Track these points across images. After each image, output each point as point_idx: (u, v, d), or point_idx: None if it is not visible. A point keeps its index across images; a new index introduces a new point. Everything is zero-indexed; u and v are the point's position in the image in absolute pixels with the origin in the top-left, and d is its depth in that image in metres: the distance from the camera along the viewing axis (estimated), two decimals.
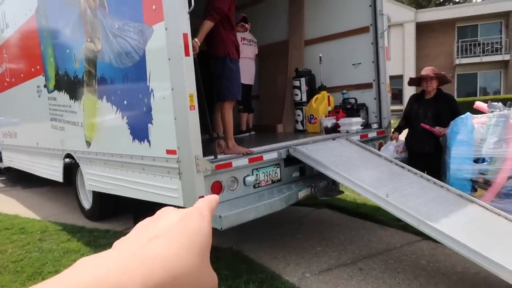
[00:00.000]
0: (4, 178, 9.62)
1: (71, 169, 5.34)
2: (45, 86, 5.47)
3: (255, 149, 3.58)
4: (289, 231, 4.34)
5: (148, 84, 3.24)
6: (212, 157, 3.23)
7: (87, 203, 5.31)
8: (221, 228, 2.78)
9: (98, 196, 4.87)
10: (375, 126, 4.76)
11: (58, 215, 5.57)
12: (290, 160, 3.65)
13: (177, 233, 0.34)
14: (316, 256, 3.63)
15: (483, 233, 2.79)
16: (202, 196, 2.96)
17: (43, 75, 5.49)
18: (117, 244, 0.35)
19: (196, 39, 3.20)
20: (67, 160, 5.22)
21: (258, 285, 3.05)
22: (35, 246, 4.23)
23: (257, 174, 3.40)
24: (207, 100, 3.34)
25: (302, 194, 3.47)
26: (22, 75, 6.41)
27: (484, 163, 3.67)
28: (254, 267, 3.41)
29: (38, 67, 5.62)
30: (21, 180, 8.63)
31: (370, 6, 4.59)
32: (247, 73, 5.31)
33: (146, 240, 0.33)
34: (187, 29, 2.85)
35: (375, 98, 4.78)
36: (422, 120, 4.18)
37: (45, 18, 5.09)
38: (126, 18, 3.40)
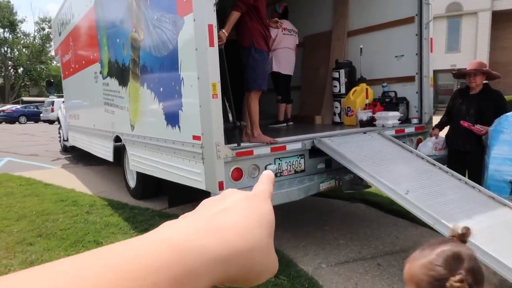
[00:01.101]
0: (70, 156, 10.55)
1: (120, 150, 5.76)
2: (100, 72, 5.92)
3: (282, 139, 3.64)
4: (317, 222, 4.36)
5: (179, 73, 3.42)
6: (236, 144, 3.35)
7: (132, 182, 5.71)
8: None
9: (141, 177, 5.22)
10: (415, 121, 4.58)
11: (107, 191, 6.06)
12: (316, 152, 3.66)
13: (246, 209, 0.34)
14: (337, 249, 3.63)
15: (508, 238, 2.63)
16: (222, 182, 3.10)
17: (99, 62, 5.94)
18: (184, 216, 0.34)
19: (223, 30, 3.31)
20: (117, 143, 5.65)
21: None
22: (82, 218, 4.67)
23: (279, 164, 3.47)
24: (239, 89, 3.46)
25: (324, 186, 3.48)
26: (83, 62, 6.98)
27: None
28: None
29: (95, 54, 6.10)
30: (83, 158, 9.43)
31: None
32: (287, 63, 5.34)
33: (218, 212, 0.34)
34: (213, 20, 2.97)
35: (417, 92, 4.59)
36: (464, 116, 3.95)
37: (101, 9, 5.50)
38: (163, 10, 3.60)
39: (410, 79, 4.61)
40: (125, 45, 4.69)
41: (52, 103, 21.08)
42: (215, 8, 2.97)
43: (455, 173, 3.41)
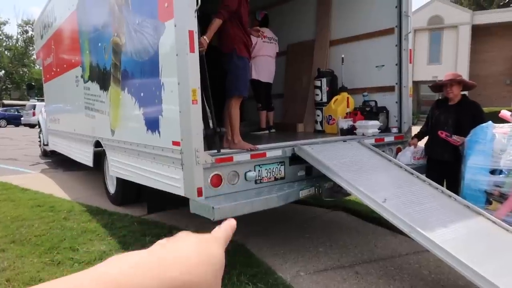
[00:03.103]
0: (50, 160, 10.35)
1: (100, 155, 5.67)
2: (81, 76, 5.85)
3: (262, 146, 3.64)
4: (298, 230, 4.36)
5: (160, 78, 3.40)
6: (216, 150, 3.34)
7: (112, 188, 5.62)
8: (213, 219, 2.87)
9: (121, 182, 5.14)
10: (394, 130, 4.64)
11: (87, 197, 5.95)
12: (296, 159, 3.67)
13: (195, 249, 0.38)
14: (316, 256, 3.63)
15: (481, 246, 2.67)
16: (201, 188, 3.08)
17: (80, 66, 5.87)
18: (138, 253, 0.37)
19: (204, 36, 3.31)
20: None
21: (250, 278, 3.11)
22: (58, 224, 4.57)
23: (259, 170, 3.46)
24: (220, 96, 3.46)
25: (304, 193, 3.48)
26: (65, 65, 6.88)
27: (501, 175, 3.48)
28: (251, 261, 3.47)
29: (77, 58, 6.02)
30: (63, 163, 9.26)
31: (396, 7, 4.47)
32: (266, 71, 5.37)
33: (167, 250, 0.37)
34: (194, 26, 2.97)
35: (396, 102, 4.66)
36: (442, 127, 4.02)
37: (83, 13, 5.45)
38: (144, 15, 3.59)
39: (390, 88, 4.68)
40: (107, 50, 4.64)
41: (34, 107, 20.73)
42: (196, 14, 2.97)
43: (432, 182, 3.46)
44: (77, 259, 3.53)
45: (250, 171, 3.38)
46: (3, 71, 54.76)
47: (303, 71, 5.84)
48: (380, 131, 4.51)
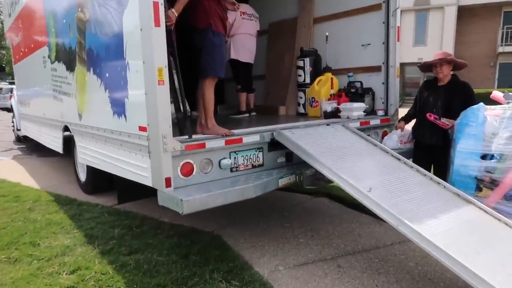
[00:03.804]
0: (24, 146, 9.89)
1: (70, 140, 5.31)
2: (48, 56, 5.43)
3: (239, 131, 3.35)
4: (278, 219, 4.13)
5: (125, 57, 3.07)
6: (187, 136, 3.04)
7: (83, 176, 5.29)
8: (182, 213, 2.60)
9: (92, 170, 4.82)
10: (381, 113, 4.40)
11: (56, 185, 5.61)
12: (276, 145, 3.40)
13: None
14: (296, 248, 3.40)
15: (472, 238, 2.47)
16: (169, 178, 2.80)
17: (47, 46, 5.44)
18: None
19: (173, 9, 2.97)
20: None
21: (224, 274, 2.87)
22: (22, 215, 4.25)
23: (235, 158, 3.19)
24: (190, 76, 3.14)
25: (283, 181, 3.23)
26: (32, 45, 6.42)
27: (493, 160, 3.28)
28: (227, 255, 3.23)
29: (43, 37, 5.58)
30: (37, 149, 8.82)
31: None
32: (247, 50, 5.04)
33: None
34: None
35: (383, 83, 4.41)
36: (431, 109, 3.80)
37: None
38: None
39: (376, 69, 4.42)
40: (71, 27, 4.25)
41: (11, 90, 19.90)
42: None
43: (420, 168, 3.24)
44: (36, 256, 3.23)
45: (224, 158, 3.11)
46: None
47: (285, 51, 5.52)
48: (365, 113, 4.27)
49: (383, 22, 4.27)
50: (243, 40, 4.98)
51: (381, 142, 4.02)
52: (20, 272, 2.94)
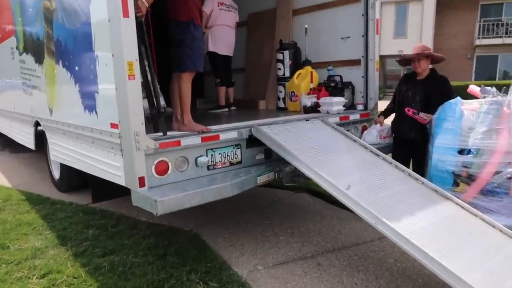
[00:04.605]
0: None
1: (43, 136, 5.11)
2: (17, 48, 5.18)
3: (216, 127, 3.26)
4: (258, 216, 4.07)
5: (93, 49, 2.92)
6: (161, 133, 2.93)
7: (57, 173, 5.10)
8: (156, 214, 2.50)
9: (65, 167, 4.64)
10: (360, 107, 4.36)
11: (29, 183, 5.41)
12: (254, 141, 3.32)
13: None
14: (276, 246, 3.35)
15: (450, 235, 2.46)
16: (143, 177, 2.69)
17: (15, 36, 5.19)
18: None
19: (143, 0, 2.82)
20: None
21: (202, 275, 2.80)
22: None
23: (212, 155, 3.09)
24: (161, 69, 3.01)
25: (262, 179, 3.16)
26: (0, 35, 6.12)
27: (470, 155, 3.28)
28: (205, 255, 3.15)
29: (10, 27, 5.32)
30: (10, 144, 8.48)
31: None
32: (225, 42, 4.92)
33: None
34: None
35: (362, 77, 4.37)
36: (410, 103, 3.78)
37: None
38: None
39: (356, 62, 4.38)
40: (38, 16, 4.04)
41: None
42: None
43: (399, 164, 3.21)
44: (5, 260, 3.08)
45: (201, 156, 3.01)
46: None
47: (264, 44, 5.42)
48: (345, 108, 4.23)
49: (363, 15, 4.21)
50: (221, 32, 4.85)
51: (360, 137, 4.00)
52: None
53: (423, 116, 3.62)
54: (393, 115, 4.08)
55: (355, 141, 3.51)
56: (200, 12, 3.39)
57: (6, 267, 2.97)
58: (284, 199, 4.63)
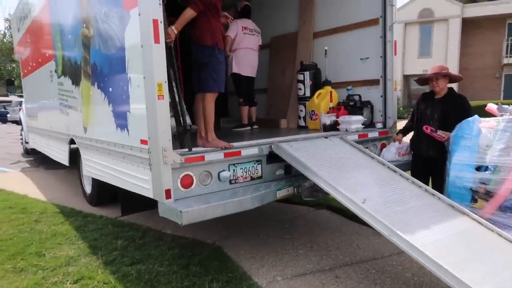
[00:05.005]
0: (32, 159, 10.06)
1: (76, 153, 5.44)
2: (55, 71, 5.59)
3: (237, 144, 3.44)
4: (278, 231, 4.18)
5: (127, 72, 3.18)
6: (187, 149, 3.14)
7: (88, 188, 5.39)
8: (181, 224, 2.68)
9: (97, 182, 4.92)
10: (379, 125, 4.46)
11: (63, 197, 5.72)
12: (274, 157, 3.48)
13: None
14: (295, 259, 3.45)
15: (465, 249, 2.51)
16: (169, 190, 2.88)
17: (54, 60, 5.61)
18: None
19: (173, 27, 3.09)
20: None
21: (223, 284, 2.93)
22: (28, 227, 4.35)
23: (234, 170, 3.27)
24: (187, 89, 3.24)
25: (281, 193, 3.30)
26: (40, 59, 6.60)
27: (487, 172, 3.32)
28: (227, 266, 3.29)
29: (50, 52, 5.76)
30: (45, 161, 8.97)
31: None
32: (248, 64, 5.16)
33: None
34: (158, 15, 2.75)
35: (381, 96, 4.49)
36: (428, 121, 3.86)
37: (54, 3, 5.18)
38: (110, 3, 3.36)
39: (374, 82, 4.51)
40: (77, 42, 4.40)
41: (20, 103, 20.28)
42: (160, 1, 2.75)
43: (415, 180, 3.29)
44: (41, 266, 3.31)
45: (224, 170, 3.19)
46: None
47: (286, 65, 5.64)
48: (364, 126, 4.34)
49: (381, 37, 4.37)
50: (245, 54, 5.10)
51: (379, 155, 4.09)
52: (25, 281, 3.02)
53: (441, 134, 3.69)
54: (411, 133, 4.16)
55: (372, 157, 3.61)
56: (223, 37, 3.64)
57: (42, 272, 3.20)
58: (305, 215, 4.72)
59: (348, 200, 2.80)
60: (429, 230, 2.60)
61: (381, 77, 4.46)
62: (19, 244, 3.83)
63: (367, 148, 3.95)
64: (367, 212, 2.66)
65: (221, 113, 4.60)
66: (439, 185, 3.66)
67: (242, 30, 5.05)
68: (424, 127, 3.81)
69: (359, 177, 3.20)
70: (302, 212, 4.82)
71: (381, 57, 4.43)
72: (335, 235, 4.01)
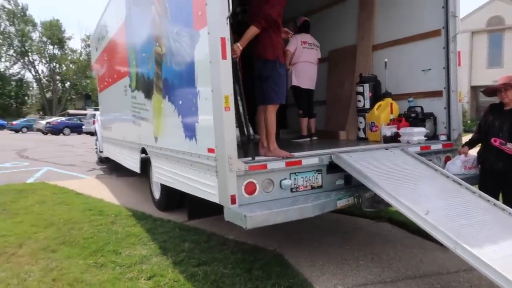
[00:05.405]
0: (105, 166, 10.91)
1: (146, 161, 5.87)
2: (129, 86, 6.11)
3: (298, 154, 3.56)
4: (338, 241, 4.21)
5: (196, 86, 3.45)
6: (250, 158, 3.31)
7: (157, 194, 5.78)
8: (246, 227, 2.84)
9: (165, 188, 5.28)
10: (443, 138, 4.36)
11: (134, 202, 6.17)
12: (334, 167, 3.55)
13: None
14: (356, 270, 3.47)
15: None
16: (234, 195, 3.06)
17: (128, 76, 6.14)
18: None
19: (238, 44, 3.31)
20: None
21: None
22: (105, 227, 4.77)
23: (295, 179, 3.39)
24: (249, 101, 3.43)
25: (342, 203, 3.35)
26: (115, 76, 7.24)
27: None
28: (288, 272, 3.39)
29: (125, 69, 6.31)
30: (116, 169, 9.70)
31: (442, 7, 4.23)
32: (307, 77, 5.29)
33: None
34: (226, 33, 2.98)
35: (445, 108, 4.38)
36: (497, 133, 3.71)
37: (130, 25, 5.70)
38: (181, 24, 3.67)
39: (437, 93, 4.42)
40: (150, 59, 4.81)
41: (94, 115, 22.06)
42: (228, 21, 2.98)
43: (483, 193, 3.18)
44: (118, 263, 3.64)
45: (285, 179, 3.32)
46: (68, 83, 59.14)
47: (345, 77, 5.69)
48: (426, 138, 4.26)
49: (443, 47, 4.29)
50: (304, 67, 5.25)
51: (443, 168, 3.99)
52: (106, 275, 3.35)
53: (511, 147, 3.54)
54: (478, 146, 4.01)
55: (436, 170, 3.54)
56: (283, 51, 3.81)
57: (119, 268, 3.52)
58: (365, 227, 4.70)
59: (410, 211, 2.80)
60: (498, 245, 2.52)
61: (444, 88, 4.37)
62: (98, 242, 4.23)
63: (430, 160, 3.88)
64: (429, 223, 2.64)
65: (280, 124, 4.76)
66: (510, 200, 3.50)
67: (301, 44, 5.20)
68: (492, 140, 3.66)
69: (422, 189, 3.17)
70: (362, 224, 4.80)
71: (444, 68, 4.34)
72: (396, 248, 3.96)
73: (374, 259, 3.70)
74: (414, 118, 4.42)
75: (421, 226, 2.71)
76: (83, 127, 27.76)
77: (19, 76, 57.68)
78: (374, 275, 3.35)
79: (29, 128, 38.73)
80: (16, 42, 54.76)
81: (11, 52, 55.64)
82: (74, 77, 57.30)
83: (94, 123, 21.80)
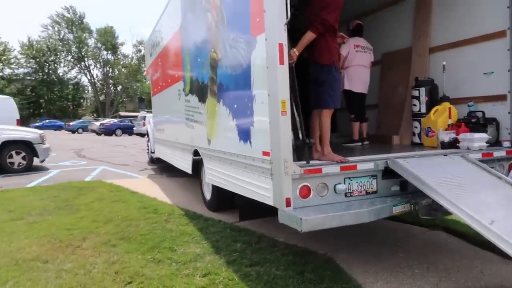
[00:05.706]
0: (156, 167, 11.35)
1: (198, 163, 6.06)
2: (183, 90, 6.35)
3: (353, 158, 3.54)
4: (391, 248, 4.12)
5: (251, 90, 3.54)
6: (305, 161, 3.34)
7: (208, 195, 5.94)
8: (301, 230, 2.86)
9: (216, 189, 5.42)
10: (507, 144, 4.15)
11: (186, 202, 6.38)
12: (390, 173, 3.50)
13: None
14: (411, 278, 3.38)
15: None
16: (289, 198, 3.10)
17: (182, 81, 6.38)
18: None
19: (295, 49, 3.35)
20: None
21: None
22: (160, 225, 4.98)
23: (349, 183, 3.37)
24: (303, 106, 3.47)
25: (397, 209, 3.29)
26: (169, 80, 7.54)
27: None
28: (340, 277, 3.37)
29: (179, 73, 6.56)
30: (167, 170, 10.08)
31: (508, 7, 4.03)
32: (360, 81, 5.23)
33: None
34: (283, 39, 3.03)
35: (509, 112, 4.17)
36: None
37: (185, 31, 5.93)
38: (238, 30, 3.78)
39: (501, 98, 4.21)
40: (205, 64, 4.97)
41: (144, 118, 23.03)
42: (285, 27, 3.03)
43: None
44: (174, 259, 3.80)
45: (339, 183, 3.31)
46: (120, 86, 62.16)
47: (399, 81, 5.56)
48: (488, 144, 4.07)
49: (508, 49, 4.09)
50: (356, 71, 5.20)
51: (507, 175, 3.80)
52: (163, 271, 3.51)
53: None
54: None
55: (500, 177, 3.39)
56: (338, 56, 3.81)
57: (176, 265, 3.67)
58: (419, 235, 4.56)
59: (473, 220, 2.70)
60: None
61: (508, 92, 4.16)
62: (154, 239, 4.43)
63: (492, 168, 3.70)
64: (494, 233, 2.54)
65: (331, 128, 4.76)
66: None
67: (354, 48, 5.16)
68: None
69: (485, 197, 3.05)
70: (415, 232, 4.66)
71: (508, 71, 4.13)
72: (454, 258, 3.81)
73: (430, 268, 3.59)
74: (475, 123, 4.24)
75: (485, 236, 2.61)
76: (134, 128, 29.06)
77: (76, 80, 61.48)
78: (431, 285, 3.25)
79: (84, 129, 41.28)
80: (74, 48, 58.52)
81: (69, 57, 59.45)
82: (126, 80, 60.16)
83: (144, 125, 22.86)
